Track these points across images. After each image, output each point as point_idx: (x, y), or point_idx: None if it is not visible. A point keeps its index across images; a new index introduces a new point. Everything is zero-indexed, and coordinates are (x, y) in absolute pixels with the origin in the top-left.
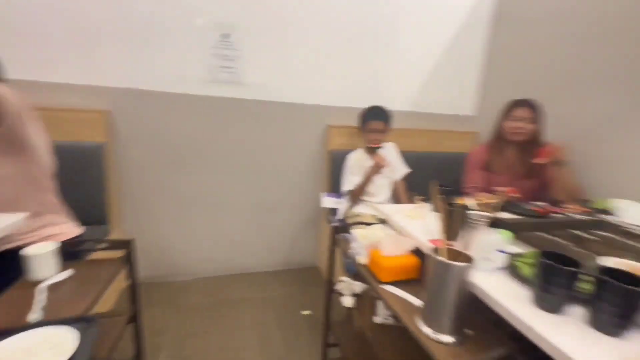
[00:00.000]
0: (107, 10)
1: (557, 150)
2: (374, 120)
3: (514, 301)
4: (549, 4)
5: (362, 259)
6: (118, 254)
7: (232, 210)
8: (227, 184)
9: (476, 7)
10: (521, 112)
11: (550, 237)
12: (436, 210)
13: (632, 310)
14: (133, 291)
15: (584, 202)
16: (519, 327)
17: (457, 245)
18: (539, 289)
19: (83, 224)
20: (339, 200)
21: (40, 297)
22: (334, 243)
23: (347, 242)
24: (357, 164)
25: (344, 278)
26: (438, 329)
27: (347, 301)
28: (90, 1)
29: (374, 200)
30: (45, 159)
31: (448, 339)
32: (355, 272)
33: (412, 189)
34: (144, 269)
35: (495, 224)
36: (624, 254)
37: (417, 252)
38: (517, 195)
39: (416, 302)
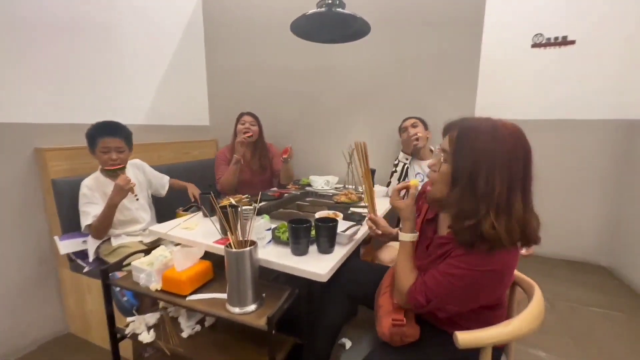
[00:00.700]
0: None
1: (289, 150)
2: (107, 137)
3: (283, 258)
4: (246, 34)
5: (156, 285)
6: None
7: None
8: None
9: (187, 28)
10: (247, 118)
11: (287, 210)
12: (205, 215)
13: (333, 237)
14: None
15: (296, 182)
16: (288, 271)
17: (239, 236)
18: (292, 244)
19: None
20: (83, 239)
21: None
22: (108, 289)
23: (123, 280)
24: (97, 190)
25: (131, 318)
26: (244, 304)
27: (146, 337)
28: None
29: (137, 228)
30: None
31: (253, 307)
32: (133, 307)
33: (170, 203)
34: None
35: (258, 211)
36: (322, 208)
37: (204, 255)
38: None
39: (220, 295)
